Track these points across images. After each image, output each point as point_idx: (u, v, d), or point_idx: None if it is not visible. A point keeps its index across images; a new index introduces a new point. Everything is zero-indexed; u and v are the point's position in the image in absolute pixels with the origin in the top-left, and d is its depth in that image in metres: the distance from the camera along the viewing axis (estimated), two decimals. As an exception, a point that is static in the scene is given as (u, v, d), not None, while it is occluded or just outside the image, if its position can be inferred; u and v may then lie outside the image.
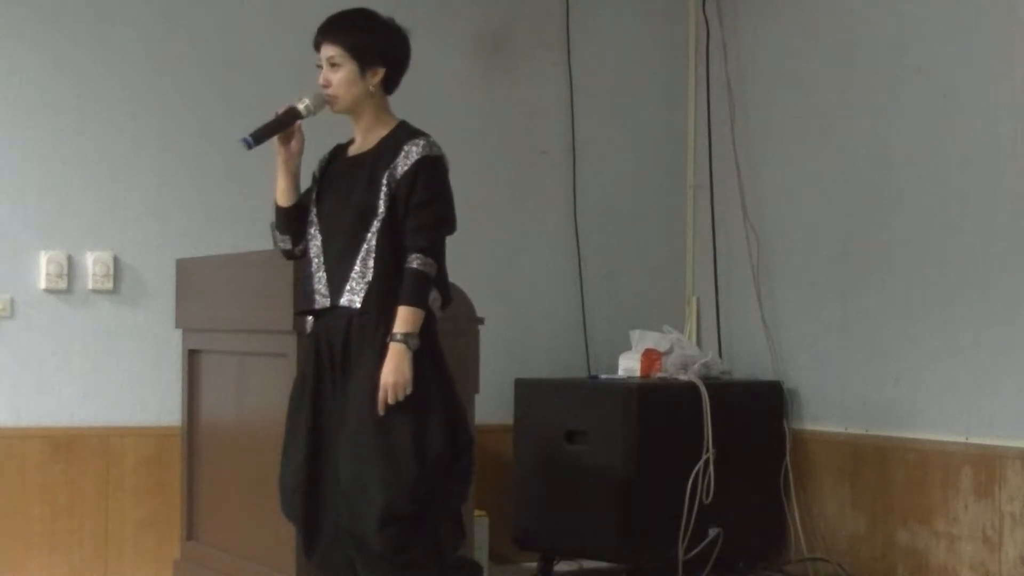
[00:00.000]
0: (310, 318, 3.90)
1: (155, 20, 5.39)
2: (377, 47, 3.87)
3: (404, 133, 3.86)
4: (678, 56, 6.23)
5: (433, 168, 3.81)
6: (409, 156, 3.80)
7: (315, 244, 3.88)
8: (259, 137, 3.83)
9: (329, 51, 3.84)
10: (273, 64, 5.43)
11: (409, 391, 3.71)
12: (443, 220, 3.83)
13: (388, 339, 3.73)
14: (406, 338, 3.72)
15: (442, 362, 3.86)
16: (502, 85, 5.94)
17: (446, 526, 3.83)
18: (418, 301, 3.76)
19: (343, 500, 3.75)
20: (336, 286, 3.80)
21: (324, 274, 3.84)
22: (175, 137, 5.41)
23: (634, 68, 6.17)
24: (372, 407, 3.72)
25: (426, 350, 3.79)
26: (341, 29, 3.86)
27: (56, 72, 5.26)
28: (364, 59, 3.84)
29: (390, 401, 3.70)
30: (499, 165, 5.90)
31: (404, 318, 3.74)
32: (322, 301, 3.83)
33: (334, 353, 3.81)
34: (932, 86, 5.20)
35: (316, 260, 3.87)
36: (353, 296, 3.78)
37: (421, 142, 3.82)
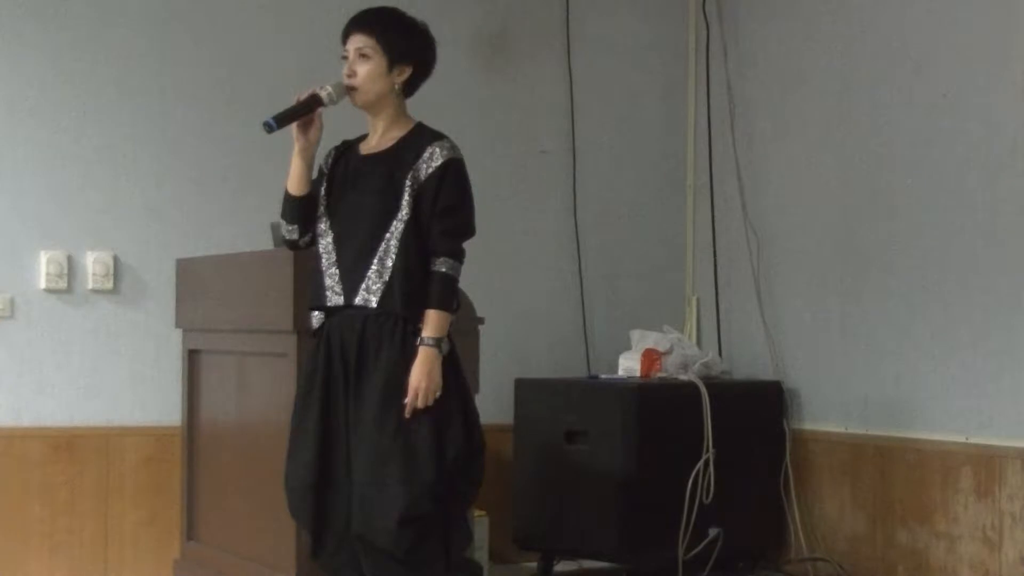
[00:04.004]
0: (318, 314, 3.88)
1: (155, 20, 5.39)
2: (409, 46, 3.87)
3: (424, 134, 3.86)
4: (678, 56, 6.22)
5: (458, 172, 3.83)
6: (433, 158, 3.80)
7: (326, 241, 3.86)
8: (281, 121, 3.81)
9: (360, 41, 3.84)
10: (273, 64, 5.43)
11: (438, 395, 3.72)
12: (469, 225, 3.87)
13: (417, 342, 3.73)
14: (437, 342, 3.74)
15: (459, 364, 3.87)
16: (502, 85, 5.94)
17: (456, 527, 3.83)
18: (447, 305, 3.77)
19: (356, 500, 3.75)
20: (351, 285, 3.79)
21: (337, 271, 3.82)
22: (175, 137, 5.41)
23: (634, 68, 6.17)
24: (391, 407, 3.72)
25: (446, 352, 3.80)
26: (377, 22, 3.86)
27: (56, 72, 5.26)
28: (394, 55, 3.85)
29: (419, 405, 3.71)
30: (499, 165, 5.89)
31: (434, 322, 3.75)
32: (335, 299, 3.82)
33: (347, 352, 3.80)
34: (932, 86, 5.20)
35: (327, 257, 3.85)
36: (369, 296, 3.77)
37: (446, 144, 3.83)
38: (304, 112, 3.84)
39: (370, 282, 3.77)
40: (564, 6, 6.02)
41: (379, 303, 3.76)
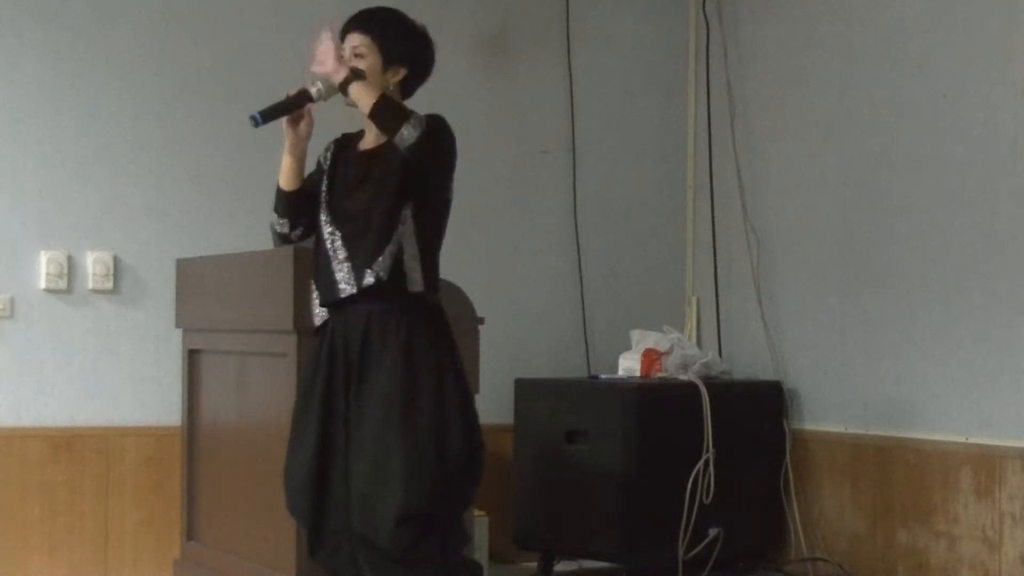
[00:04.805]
0: (320, 312, 3.88)
1: (155, 20, 5.39)
2: (404, 48, 3.87)
3: None
4: (678, 56, 6.23)
5: (438, 123, 3.78)
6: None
7: (335, 239, 3.84)
8: (268, 115, 3.80)
9: (356, 40, 3.85)
10: (273, 64, 5.42)
11: (335, 76, 3.72)
12: (438, 135, 3.75)
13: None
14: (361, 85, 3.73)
15: (459, 365, 3.85)
16: (502, 85, 5.94)
17: (453, 527, 3.83)
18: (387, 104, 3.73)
19: (356, 498, 3.75)
20: (361, 276, 3.78)
21: (348, 264, 3.81)
22: (175, 137, 5.41)
23: (634, 68, 6.17)
24: (394, 406, 3.71)
25: (445, 352, 3.80)
26: (373, 22, 3.87)
27: (56, 72, 5.26)
28: (389, 55, 3.85)
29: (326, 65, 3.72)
30: (499, 165, 5.90)
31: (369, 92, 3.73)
32: (349, 290, 3.80)
33: (351, 350, 3.79)
34: (932, 86, 5.20)
35: (335, 254, 3.83)
36: (381, 273, 3.76)
37: (432, 114, 3.82)
38: (292, 108, 3.85)
39: (385, 255, 3.75)
40: (564, 6, 6.02)
41: (389, 277, 3.74)
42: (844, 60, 5.57)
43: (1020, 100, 4.89)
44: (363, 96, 3.74)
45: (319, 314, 3.89)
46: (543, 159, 6.02)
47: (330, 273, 3.84)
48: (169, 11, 5.41)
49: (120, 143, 5.34)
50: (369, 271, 3.75)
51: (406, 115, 3.71)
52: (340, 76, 3.76)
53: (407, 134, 3.68)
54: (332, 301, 3.84)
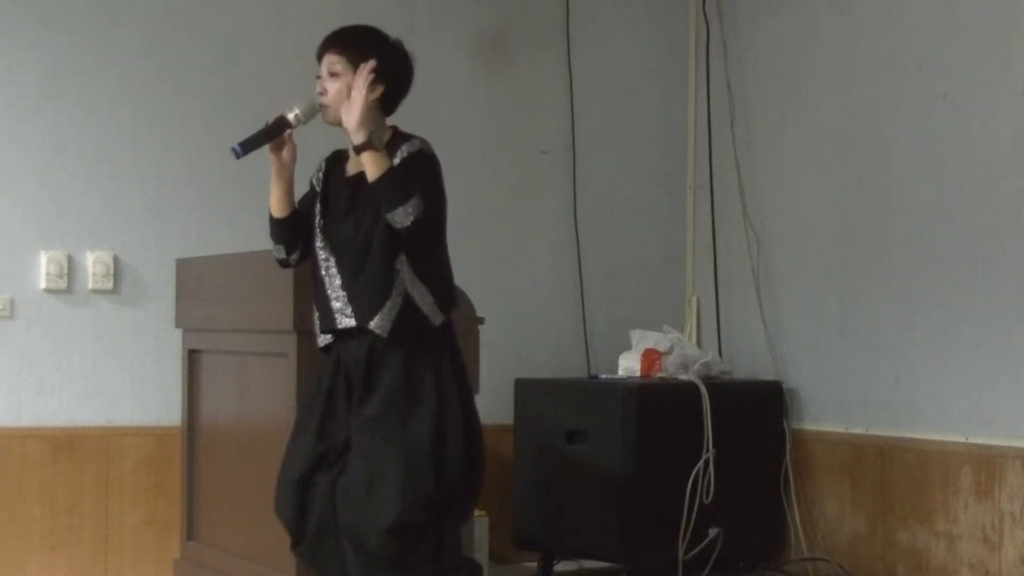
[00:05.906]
0: (326, 337, 3.87)
1: (155, 20, 5.39)
2: (379, 65, 3.84)
3: (396, 142, 3.81)
4: (678, 56, 6.22)
5: (420, 158, 3.76)
6: (398, 157, 3.76)
7: (329, 265, 3.83)
8: (248, 146, 3.81)
9: (331, 59, 3.81)
10: (273, 65, 5.43)
11: (355, 136, 3.70)
12: (431, 213, 3.73)
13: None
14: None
15: (463, 375, 3.84)
16: (502, 85, 5.94)
17: (449, 536, 3.83)
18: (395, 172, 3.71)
19: (346, 501, 3.74)
20: (362, 312, 3.76)
21: (344, 293, 3.80)
22: (175, 137, 5.41)
23: (634, 68, 6.17)
24: (393, 413, 3.71)
25: (448, 363, 3.79)
26: (347, 41, 3.83)
27: (56, 72, 5.26)
28: None
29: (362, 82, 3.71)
30: (499, 165, 5.90)
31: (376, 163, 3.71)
32: (346, 321, 3.79)
33: (355, 370, 3.78)
34: (932, 86, 5.20)
35: (331, 280, 3.82)
36: (383, 322, 3.74)
37: (415, 142, 3.79)
38: (272, 136, 3.84)
39: (384, 311, 3.74)
40: (564, 6, 6.02)
41: (392, 327, 3.74)
42: (844, 60, 5.57)
43: (1020, 100, 4.89)
44: (372, 167, 3.70)
45: (324, 336, 3.88)
46: (543, 159, 6.02)
47: (327, 300, 3.83)
48: (169, 11, 5.41)
49: (120, 143, 5.35)
50: (372, 323, 3.74)
51: (405, 196, 3.67)
52: (360, 138, 3.71)
53: (399, 217, 3.67)
54: (333, 330, 3.84)
